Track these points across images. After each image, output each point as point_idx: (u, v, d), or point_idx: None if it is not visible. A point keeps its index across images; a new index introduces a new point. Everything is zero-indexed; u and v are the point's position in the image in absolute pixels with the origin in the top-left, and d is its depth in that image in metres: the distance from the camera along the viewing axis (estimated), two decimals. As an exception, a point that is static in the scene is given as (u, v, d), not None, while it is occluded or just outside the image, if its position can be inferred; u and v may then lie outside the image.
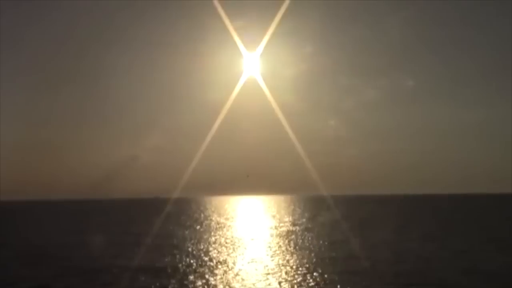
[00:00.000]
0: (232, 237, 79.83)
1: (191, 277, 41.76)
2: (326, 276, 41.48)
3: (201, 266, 48.16)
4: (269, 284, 38.67)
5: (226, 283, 39.33)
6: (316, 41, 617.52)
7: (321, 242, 68.04)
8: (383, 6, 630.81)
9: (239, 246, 66.14)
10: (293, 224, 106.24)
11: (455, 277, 40.89)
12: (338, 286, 37.16)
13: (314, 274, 42.52)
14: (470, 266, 46.40)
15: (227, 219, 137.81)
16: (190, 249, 61.88)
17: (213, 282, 39.52)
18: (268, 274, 43.26)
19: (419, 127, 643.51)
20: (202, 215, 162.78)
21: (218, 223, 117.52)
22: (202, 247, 64.86)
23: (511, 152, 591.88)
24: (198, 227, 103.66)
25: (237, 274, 43.36)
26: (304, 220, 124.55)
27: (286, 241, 70.06)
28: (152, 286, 37.86)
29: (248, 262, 50.44)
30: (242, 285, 38.37)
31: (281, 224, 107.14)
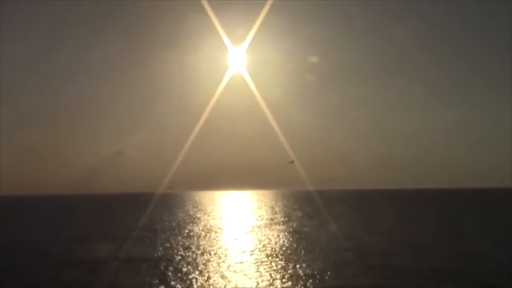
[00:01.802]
0: (217, 230, 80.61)
1: (184, 269, 41.94)
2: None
3: (191, 257, 48.36)
4: (259, 275, 39.06)
5: (219, 275, 39.53)
6: (301, 36, 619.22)
7: (289, 234, 69.13)
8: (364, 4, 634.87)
9: (224, 239, 66.86)
10: (271, 219, 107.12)
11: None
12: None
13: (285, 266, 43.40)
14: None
15: (212, 213, 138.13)
16: (178, 243, 62.03)
17: (206, 274, 39.69)
18: (258, 265, 43.77)
19: (405, 127, 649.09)
20: (188, 210, 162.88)
21: (204, 217, 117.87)
22: (190, 240, 65.09)
23: (490, 150, 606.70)
24: (187, 221, 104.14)
25: (229, 266, 43.63)
26: (280, 215, 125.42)
27: (268, 234, 70.94)
28: (148, 278, 38.06)
29: (239, 255, 50.74)
30: (232, 276, 38.67)
31: (263, 218, 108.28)
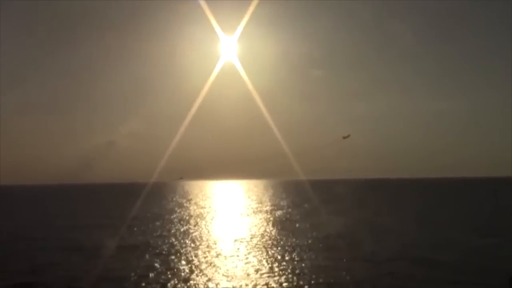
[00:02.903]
0: (211, 218, 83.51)
1: (173, 257, 44.53)
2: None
3: (183, 246, 51.06)
4: (249, 262, 41.99)
5: (209, 262, 42.12)
6: (293, 25, 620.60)
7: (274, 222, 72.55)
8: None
9: (217, 227, 69.78)
10: (257, 208, 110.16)
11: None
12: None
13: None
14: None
15: (205, 202, 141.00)
16: (171, 231, 64.75)
17: (196, 262, 42.27)
18: (249, 252, 46.57)
19: (394, 115, 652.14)
20: (181, 198, 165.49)
21: (197, 206, 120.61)
22: (182, 228, 67.91)
23: (480, 139, 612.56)
24: (177, 210, 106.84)
25: (218, 254, 46.36)
26: (267, 204, 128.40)
27: (257, 220, 74.04)
28: (141, 265, 40.49)
29: (227, 243, 53.54)
30: (223, 264, 41.20)
31: (254, 206, 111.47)
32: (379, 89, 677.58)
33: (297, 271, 37.63)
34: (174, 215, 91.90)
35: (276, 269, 38.50)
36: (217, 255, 45.47)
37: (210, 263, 41.34)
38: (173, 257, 44.73)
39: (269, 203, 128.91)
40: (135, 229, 67.10)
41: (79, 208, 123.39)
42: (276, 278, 35.35)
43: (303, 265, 40.26)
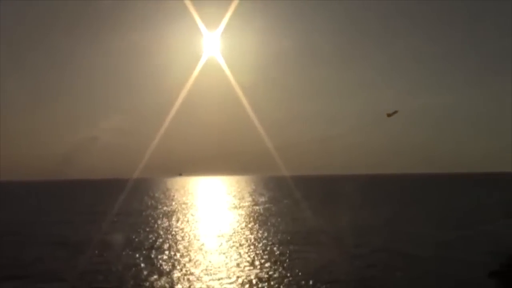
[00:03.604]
0: (191, 215, 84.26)
1: (155, 252, 45.38)
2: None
3: (165, 241, 52.08)
4: (230, 257, 43.15)
5: (189, 257, 43.12)
6: (278, 21, 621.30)
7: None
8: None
9: (200, 223, 70.83)
10: (236, 203, 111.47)
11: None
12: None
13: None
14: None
15: (187, 198, 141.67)
16: (154, 226, 65.66)
17: (177, 257, 43.22)
18: (228, 247, 47.71)
19: (379, 112, 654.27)
20: (163, 195, 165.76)
21: (179, 202, 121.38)
22: (164, 224, 68.86)
23: (459, 134, 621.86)
24: (159, 206, 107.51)
25: (200, 248, 47.49)
26: (246, 199, 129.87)
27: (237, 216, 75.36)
28: (125, 260, 41.33)
29: (208, 238, 54.51)
30: (204, 259, 42.23)
31: (234, 202, 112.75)
32: (363, 87, 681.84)
33: (278, 265, 38.83)
34: (156, 211, 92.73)
35: (257, 264, 39.60)
36: (197, 251, 46.44)
37: (191, 259, 42.24)
38: (155, 252, 45.61)
39: (249, 199, 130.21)
40: (119, 224, 67.82)
41: (63, 204, 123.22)
42: (257, 272, 36.44)
43: (283, 259, 41.50)
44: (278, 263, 39.68)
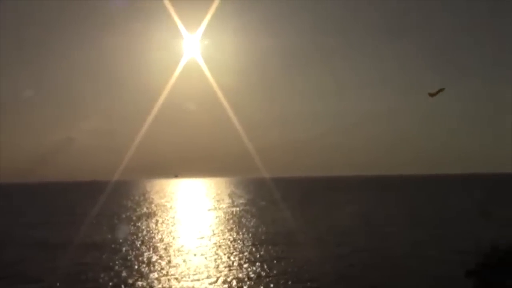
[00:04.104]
0: (170, 217, 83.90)
1: (131, 253, 45.25)
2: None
3: (143, 243, 51.75)
4: (206, 259, 42.99)
5: (166, 258, 42.94)
6: (259, 22, 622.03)
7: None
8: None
9: (178, 226, 70.45)
10: (212, 205, 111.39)
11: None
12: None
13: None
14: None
15: (167, 200, 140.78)
16: (131, 229, 65.16)
17: (155, 258, 43.04)
18: (208, 249, 47.58)
19: (352, 112, 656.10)
20: (142, 197, 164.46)
21: (158, 204, 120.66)
22: (142, 226, 68.42)
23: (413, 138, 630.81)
24: (138, 208, 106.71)
25: (178, 250, 47.22)
26: (224, 201, 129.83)
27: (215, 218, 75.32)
28: (104, 262, 41.11)
29: (186, 240, 54.44)
30: (183, 261, 42.11)
31: (212, 204, 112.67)
32: (344, 88, 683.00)
33: (256, 265, 38.93)
34: (134, 213, 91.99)
35: (236, 265, 39.63)
36: (175, 252, 46.25)
37: (168, 260, 42.06)
38: (133, 253, 45.32)
39: (227, 201, 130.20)
40: (97, 226, 67.08)
41: (39, 206, 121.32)
42: (235, 273, 36.45)
43: (261, 258, 41.64)
44: (257, 263, 39.66)
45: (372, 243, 50.12)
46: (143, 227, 67.19)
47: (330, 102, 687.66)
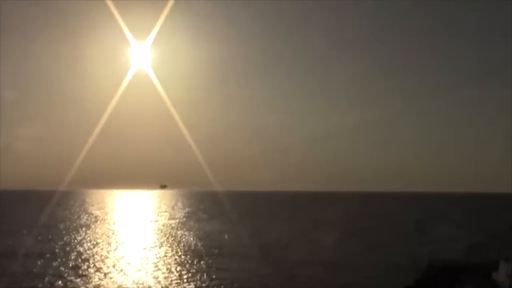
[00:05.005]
0: (109, 229, 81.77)
1: (67, 264, 43.73)
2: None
3: (79, 255, 50.12)
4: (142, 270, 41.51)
5: (104, 272, 41.59)
6: (210, 32, 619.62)
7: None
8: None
9: (116, 239, 68.37)
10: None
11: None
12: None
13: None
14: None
15: (106, 213, 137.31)
16: (68, 240, 63.09)
17: (84, 266, 41.85)
18: (146, 262, 46.17)
19: (310, 127, 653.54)
20: (81, 208, 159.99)
21: (95, 216, 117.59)
22: (78, 237, 66.44)
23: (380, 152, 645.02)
24: (76, 219, 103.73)
25: (114, 263, 45.95)
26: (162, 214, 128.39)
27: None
28: (49, 271, 39.80)
29: (125, 253, 52.98)
30: (118, 273, 40.74)
31: (152, 217, 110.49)
32: (302, 100, 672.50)
33: (198, 277, 38.84)
34: (72, 224, 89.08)
35: (176, 276, 39.37)
36: (111, 264, 45.21)
37: (105, 273, 41.00)
38: (63, 263, 43.89)
39: (167, 214, 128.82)
40: (41, 237, 64.84)
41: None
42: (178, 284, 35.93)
43: (203, 270, 41.55)
44: (198, 274, 39.56)
45: (314, 256, 50.08)
46: (79, 238, 65.09)
47: (283, 115, 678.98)
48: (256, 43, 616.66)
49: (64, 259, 47.04)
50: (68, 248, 54.81)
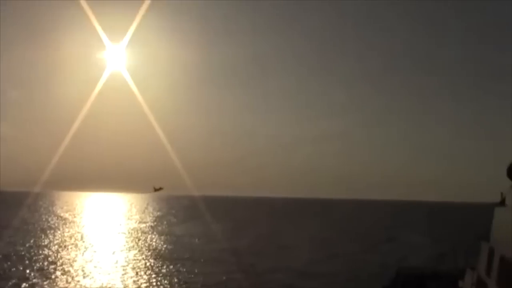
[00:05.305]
0: (77, 233, 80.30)
1: (33, 266, 42.69)
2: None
3: (46, 258, 49.04)
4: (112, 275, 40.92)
5: (71, 275, 40.74)
6: (186, 34, 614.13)
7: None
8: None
9: (84, 242, 67.28)
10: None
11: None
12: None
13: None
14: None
15: (75, 215, 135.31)
16: (33, 242, 61.88)
17: (57, 273, 40.84)
18: (116, 267, 45.57)
19: (288, 133, 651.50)
20: (49, 210, 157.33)
21: (63, 218, 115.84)
22: (47, 241, 65.16)
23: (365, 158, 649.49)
24: (42, 221, 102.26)
25: (81, 265, 45.14)
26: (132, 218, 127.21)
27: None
28: (17, 275, 38.99)
29: (92, 257, 52.03)
30: (82, 278, 39.97)
31: (121, 221, 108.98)
32: (282, 104, 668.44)
33: (165, 282, 38.09)
34: (39, 226, 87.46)
35: (145, 279, 38.74)
36: (78, 267, 44.41)
37: (72, 277, 40.10)
38: (35, 266, 42.76)
39: (137, 217, 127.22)
40: (7, 239, 63.19)
41: None
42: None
43: (167, 275, 40.89)
44: (165, 279, 38.92)
45: (277, 262, 50.00)
46: (47, 241, 63.54)
47: (261, 120, 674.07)
48: (236, 45, 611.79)
49: (30, 262, 45.85)
50: (35, 251, 53.47)
